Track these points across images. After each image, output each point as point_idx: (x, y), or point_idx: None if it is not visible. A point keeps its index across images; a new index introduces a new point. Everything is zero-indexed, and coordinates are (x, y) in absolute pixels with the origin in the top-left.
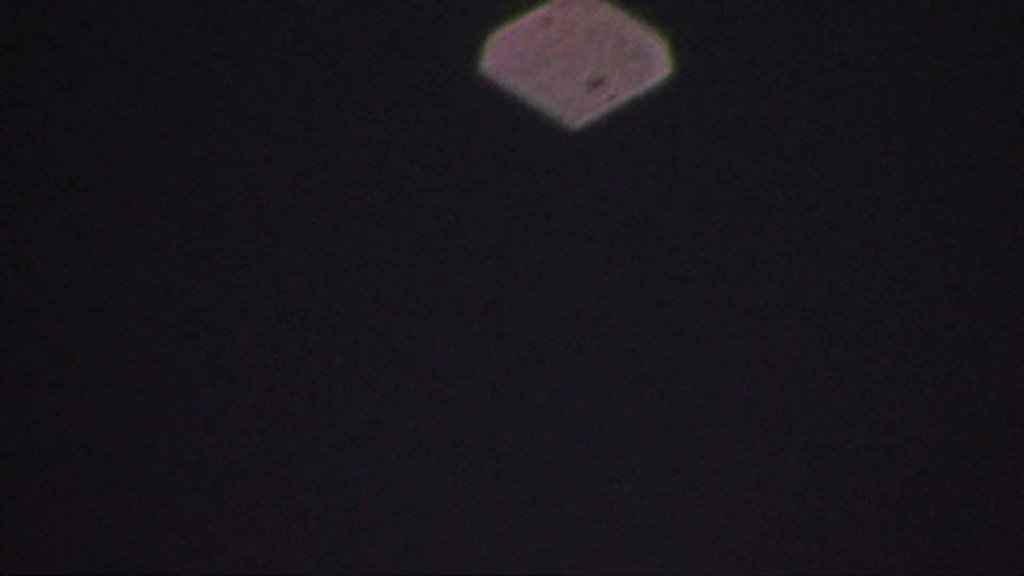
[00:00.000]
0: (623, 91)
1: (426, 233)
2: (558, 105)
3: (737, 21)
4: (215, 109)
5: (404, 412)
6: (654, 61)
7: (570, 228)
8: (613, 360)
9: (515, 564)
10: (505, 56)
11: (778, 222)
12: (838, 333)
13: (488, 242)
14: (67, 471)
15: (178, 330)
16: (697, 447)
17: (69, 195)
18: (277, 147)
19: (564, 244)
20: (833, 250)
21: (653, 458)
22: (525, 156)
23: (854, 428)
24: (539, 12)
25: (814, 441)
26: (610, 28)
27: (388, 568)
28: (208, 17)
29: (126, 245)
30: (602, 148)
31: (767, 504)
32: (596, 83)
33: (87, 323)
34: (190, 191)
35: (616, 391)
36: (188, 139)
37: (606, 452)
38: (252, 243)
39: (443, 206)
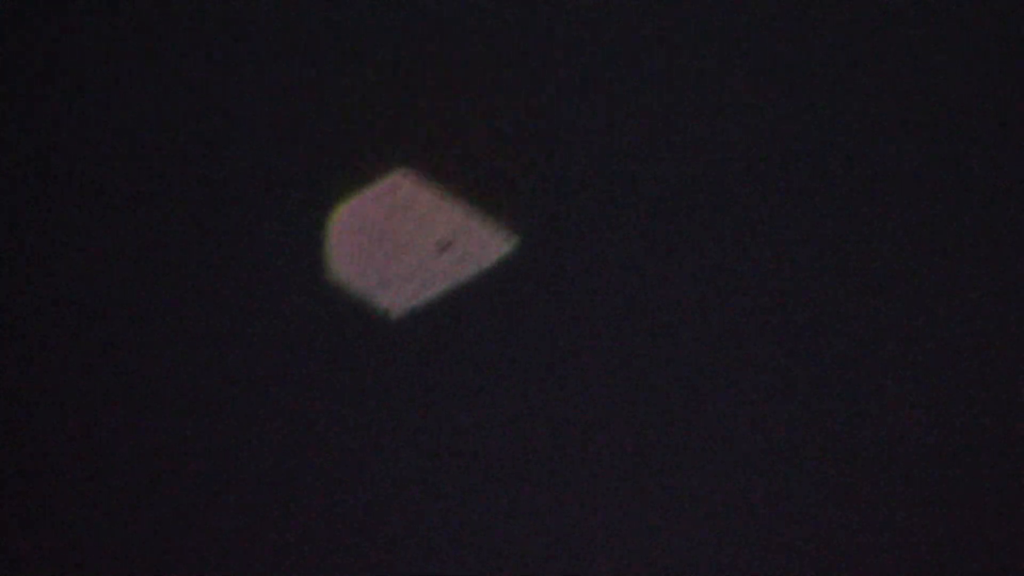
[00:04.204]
0: (471, 255)
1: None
2: (404, 271)
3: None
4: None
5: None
6: (499, 231)
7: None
8: None
9: (515, 564)
10: (353, 222)
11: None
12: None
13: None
14: (65, 471)
15: (172, 331)
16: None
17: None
18: None
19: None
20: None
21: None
22: (368, 330)
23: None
24: (388, 180)
25: (806, 452)
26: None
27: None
28: None
29: (126, 246)
30: (446, 316)
31: (766, 506)
32: (444, 247)
33: (86, 323)
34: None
35: None
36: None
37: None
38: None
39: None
